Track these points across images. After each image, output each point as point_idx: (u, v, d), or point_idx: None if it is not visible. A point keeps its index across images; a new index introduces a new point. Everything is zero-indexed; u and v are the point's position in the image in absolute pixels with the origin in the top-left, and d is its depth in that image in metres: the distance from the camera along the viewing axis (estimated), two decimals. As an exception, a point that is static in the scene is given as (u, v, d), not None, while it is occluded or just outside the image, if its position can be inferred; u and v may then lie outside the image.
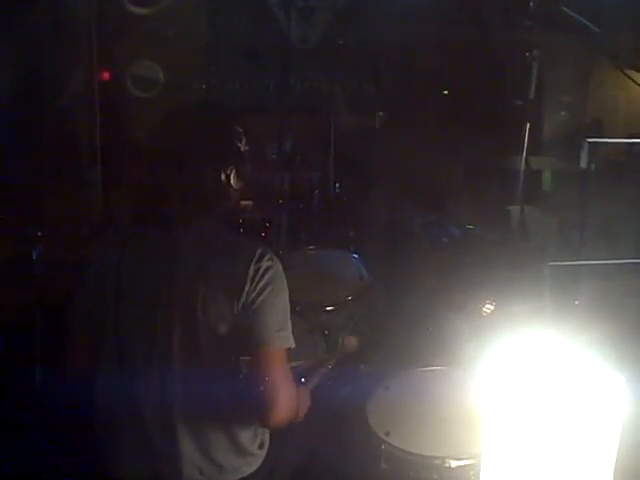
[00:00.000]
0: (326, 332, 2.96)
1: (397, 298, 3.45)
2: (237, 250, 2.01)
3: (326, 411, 2.50)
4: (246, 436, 2.08)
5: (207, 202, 2.01)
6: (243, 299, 1.95)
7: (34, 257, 3.08)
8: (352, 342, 2.49)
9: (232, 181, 2.00)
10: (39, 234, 3.13)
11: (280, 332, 1.97)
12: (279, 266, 2.02)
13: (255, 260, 1.96)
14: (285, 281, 2.03)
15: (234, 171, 2.00)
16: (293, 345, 2.01)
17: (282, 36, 5.03)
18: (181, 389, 1.98)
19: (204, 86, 5.12)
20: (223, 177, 1.99)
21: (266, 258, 1.98)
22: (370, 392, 2.46)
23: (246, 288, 1.94)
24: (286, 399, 1.96)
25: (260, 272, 1.96)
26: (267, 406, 1.94)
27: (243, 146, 2.05)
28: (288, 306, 2.03)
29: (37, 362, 3.02)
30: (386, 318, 3.38)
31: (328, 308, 3.10)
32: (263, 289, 1.95)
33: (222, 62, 5.16)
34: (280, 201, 4.29)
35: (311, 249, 3.69)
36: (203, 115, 2.14)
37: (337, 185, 4.86)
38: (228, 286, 1.95)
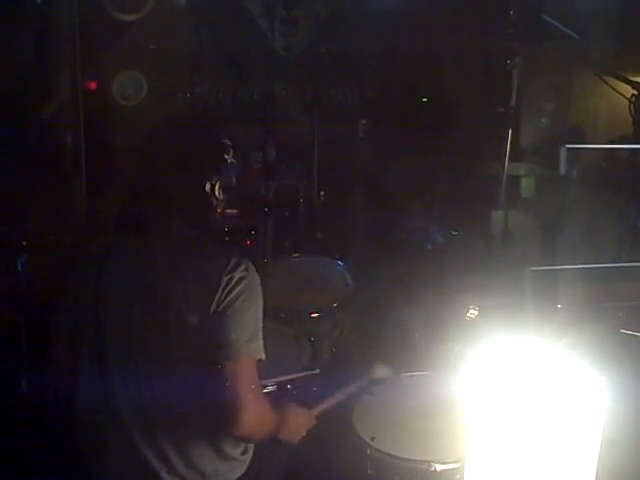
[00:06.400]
0: (312, 339, 2.96)
1: (382, 304, 3.46)
2: (213, 259, 2.01)
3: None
4: (228, 442, 2.08)
5: (189, 211, 2.03)
6: (213, 307, 1.95)
7: (19, 267, 3.08)
8: (383, 370, 2.50)
9: (216, 191, 2.03)
10: (24, 244, 3.13)
11: (250, 343, 1.96)
12: (254, 277, 2.01)
13: (229, 269, 1.97)
14: (260, 292, 2.03)
15: (218, 182, 2.03)
16: (263, 357, 2.00)
17: (266, 45, 5.04)
18: (160, 396, 1.98)
19: (188, 95, 5.12)
20: (207, 187, 2.01)
21: (240, 268, 1.98)
22: (356, 397, 2.47)
23: (217, 296, 1.94)
24: (253, 411, 1.95)
25: (233, 281, 1.96)
26: (233, 418, 1.93)
27: (229, 158, 2.08)
28: (260, 318, 2.02)
29: (22, 372, 3.01)
30: (371, 324, 3.40)
31: (313, 315, 3.10)
32: (235, 299, 1.95)
33: (206, 71, 5.16)
34: (265, 209, 4.30)
35: (296, 256, 3.71)
36: (191, 125, 2.16)
37: (322, 193, 4.88)
38: (201, 294, 1.96)
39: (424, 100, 5.08)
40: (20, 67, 4.23)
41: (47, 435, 2.75)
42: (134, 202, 2.06)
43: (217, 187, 2.03)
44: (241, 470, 2.14)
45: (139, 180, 2.08)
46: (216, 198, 2.04)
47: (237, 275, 1.97)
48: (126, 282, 2.03)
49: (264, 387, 2.40)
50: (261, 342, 1.99)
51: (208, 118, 2.26)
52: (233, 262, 1.99)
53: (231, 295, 1.95)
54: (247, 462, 2.15)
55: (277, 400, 2.21)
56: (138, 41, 4.60)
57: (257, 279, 2.03)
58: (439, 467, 2.15)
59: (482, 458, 1.44)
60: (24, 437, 2.86)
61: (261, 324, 2.02)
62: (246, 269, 2.00)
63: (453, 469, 2.15)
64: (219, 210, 2.09)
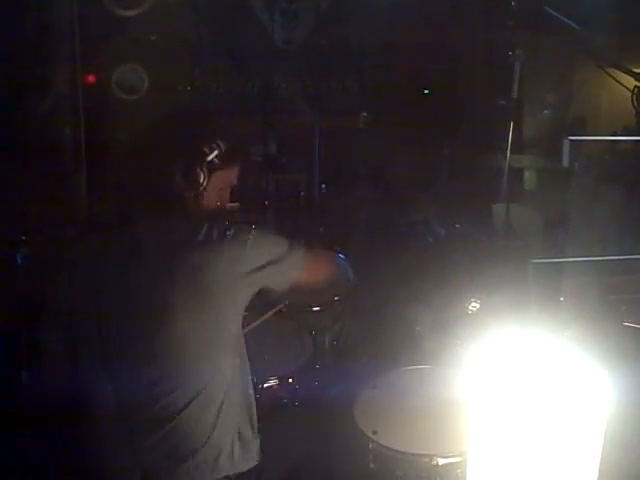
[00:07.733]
0: (313, 332, 2.96)
1: (383, 298, 3.45)
2: (211, 247, 2.00)
3: (314, 410, 2.51)
4: (244, 423, 2.10)
5: (168, 203, 2.03)
6: (243, 278, 2.00)
7: (18, 261, 3.08)
8: None
9: (191, 183, 2.02)
10: (23, 238, 3.13)
11: (292, 252, 2.12)
12: (245, 234, 2.04)
13: (240, 241, 2.00)
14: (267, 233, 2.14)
15: (193, 173, 2.02)
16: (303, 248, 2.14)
17: (266, 38, 5.03)
18: (166, 387, 1.97)
19: (188, 88, 5.12)
20: (180, 179, 2.01)
21: (244, 234, 2.02)
22: (358, 391, 2.47)
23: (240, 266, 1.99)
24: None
25: (248, 246, 2.01)
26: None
27: (213, 156, 2.06)
28: (279, 242, 2.13)
29: (23, 366, 3.01)
30: (373, 318, 3.39)
31: (315, 308, 3.10)
32: (253, 260, 2.02)
33: (206, 64, 5.16)
34: (266, 203, 4.29)
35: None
36: (175, 118, 2.17)
37: (323, 186, 4.87)
38: (207, 283, 1.96)
39: (425, 92, 5.07)
40: (20, 60, 4.22)
41: (48, 431, 2.74)
42: (124, 195, 2.06)
43: (192, 179, 2.02)
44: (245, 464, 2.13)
45: (124, 173, 2.09)
46: (193, 190, 2.03)
47: (250, 242, 2.02)
48: (125, 276, 2.02)
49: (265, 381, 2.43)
50: (295, 247, 2.15)
51: (197, 113, 2.28)
52: (235, 233, 2.01)
53: (248, 259, 2.01)
54: (255, 450, 2.14)
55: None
56: (138, 34, 4.59)
57: (248, 230, 2.06)
58: (441, 461, 2.14)
59: (484, 452, 1.43)
60: (24, 433, 2.86)
61: (284, 243, 2.14)
62: (248, 231, 2.04)
63: (455, 463, 2.14)
64: (199, 201, 2.07)
